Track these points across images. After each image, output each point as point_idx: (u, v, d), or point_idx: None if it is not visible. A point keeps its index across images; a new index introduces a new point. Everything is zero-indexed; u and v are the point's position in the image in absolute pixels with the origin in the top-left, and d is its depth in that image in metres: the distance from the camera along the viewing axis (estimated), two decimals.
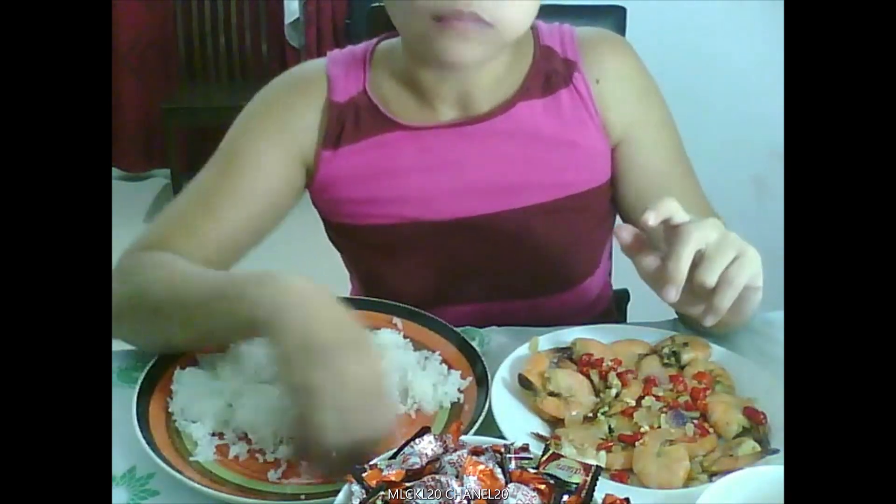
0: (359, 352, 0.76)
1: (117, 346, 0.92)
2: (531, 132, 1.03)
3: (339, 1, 3.63)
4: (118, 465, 0.81)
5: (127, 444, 0.82)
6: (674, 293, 0.78)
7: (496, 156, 1.03)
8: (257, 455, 0.82)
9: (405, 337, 0.96)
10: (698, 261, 0.78)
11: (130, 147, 3.84)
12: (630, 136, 1.06)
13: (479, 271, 1.08)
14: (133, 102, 3.79)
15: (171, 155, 3.46)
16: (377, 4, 1.32)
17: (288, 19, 3.61)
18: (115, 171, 3.88)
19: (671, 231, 0.80)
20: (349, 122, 1.03)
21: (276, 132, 1.04)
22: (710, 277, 0.77)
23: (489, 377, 0.88)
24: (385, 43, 1.08)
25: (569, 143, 1.04)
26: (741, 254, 0.78)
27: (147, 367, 0.90)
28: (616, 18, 1.42)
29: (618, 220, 1.13)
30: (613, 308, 1.32)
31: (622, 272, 1.40)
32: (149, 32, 3.73)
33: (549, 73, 1.04)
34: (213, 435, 0.84)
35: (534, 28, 1.05)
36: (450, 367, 0.92)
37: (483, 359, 0.92)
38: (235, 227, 1.02)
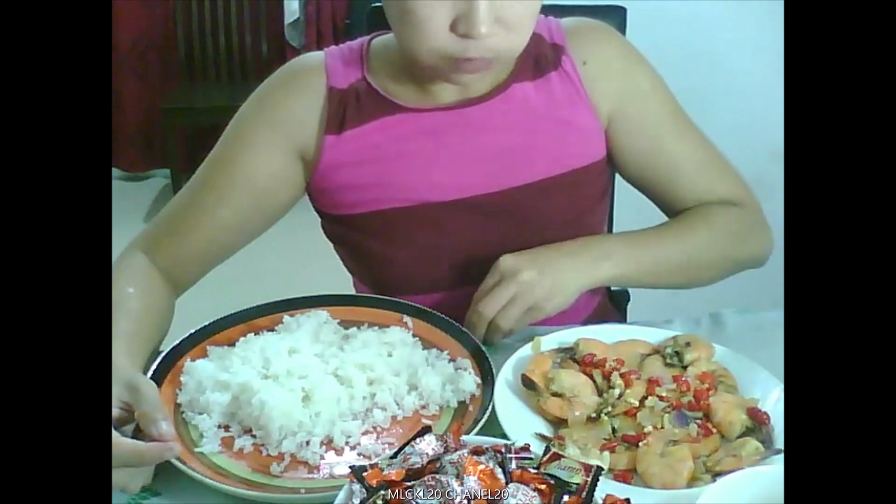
0: None
1: None
2: (526, 111, 1.07)
3: (339, 1, 3.63)
4: None
5: None
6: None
7: (494, 135, 1.07)
8: (261, 448, 0.83)
9: (414, 335, 0.97)
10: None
11: (130, 147, 3.84)
12: (620, 111, 1.10)
13: (485, 252, 1.09)
14: (133, 102, 3.79)
15: (171, 155, 3.46)
16: (377, 4, 1.32)
17: (288, 19, 3.61)
18: (115, 171, 3.88)
19: None
20: (351, 106, 1.05)
21: (271, 127, 1.06)
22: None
23: (495, 377, 0.89)
24: (379, 39, 1.11)
25: (561, 121, 1.08)
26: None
27: (159, 359, 0.91)
28: (616, 18, 1.42)
29: None
30: (609, 304, 1.32)
31: None
32: (149, 32, 3.73)
33: (539, 57, 1.08)
34: (220, 427, 0.85)
35: None
36: (464, 369, 0.92)
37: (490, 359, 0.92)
38: (222, 225, 1.05)
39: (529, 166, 1.08)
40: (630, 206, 1.23)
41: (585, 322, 1.08)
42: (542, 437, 0.82)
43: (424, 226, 1.07)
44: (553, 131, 1.08)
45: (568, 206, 1.10)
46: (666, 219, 1.16)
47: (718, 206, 1.12)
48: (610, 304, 1.33)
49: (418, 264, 1.08)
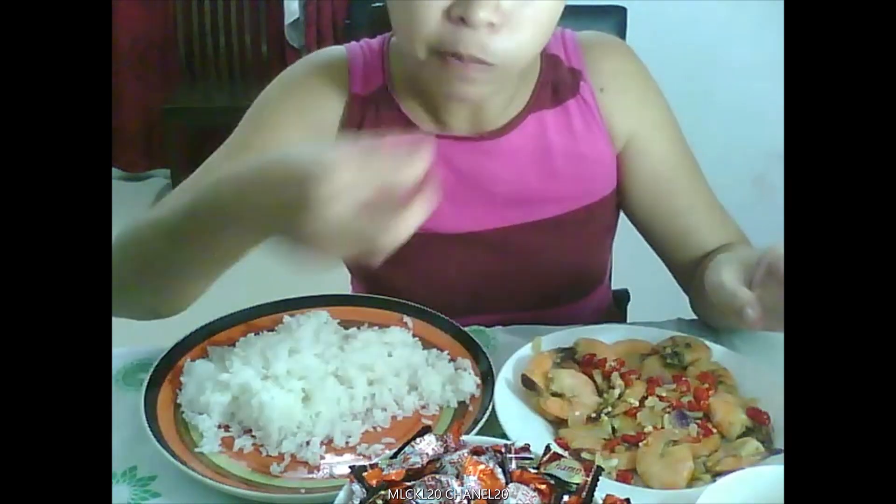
0: None
1: (120, 347, 0.92)
2: (543, 146, 1.03)
3: (339, 1, 3.63)
4: (120, 464, 0.81)
5: (130, 445, 0.82)
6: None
7: (510, 171, 1.02)
8: (261, 448, 0.83)
9: (414, 335, 0.97)
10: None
11: (130, 147, 3.84)
12: (634, 141, 1.06)
13: (488, 284, 1.07)
14: (133, 102, 3.78)
15: (171, 155, 3.46)
16: (377, 4, 1.32)
17: (288, 19, 3.61)
18: (115, 171, 3.88)
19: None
20: (370, 115, 1.01)
21: (296, 115, 1.01)
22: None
23: (494, 377, 0.89)
24: (396, 42, 1.05)
25: (579, 155, 1.04)
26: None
27: (159, 358, 0.91)
28: (616, 18, 1.42)
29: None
30: (615, 308, 1.32)
31: (622, 272, 1.40)
32: (149, 32, 3.73)
33: (557, 84, 1.03)
34: (220, 427, 0.85)
35: None
36: (464, 369, 0.92)
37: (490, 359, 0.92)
38: None
39: (545, 203, 1.04)
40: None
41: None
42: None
43: (430, 255, 1.04)
44: (570, 166, 1.04)
45: (582, 239, 1.08)
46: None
47: (744, 248, 1.04)
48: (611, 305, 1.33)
49: (422, 290, 1.04)
